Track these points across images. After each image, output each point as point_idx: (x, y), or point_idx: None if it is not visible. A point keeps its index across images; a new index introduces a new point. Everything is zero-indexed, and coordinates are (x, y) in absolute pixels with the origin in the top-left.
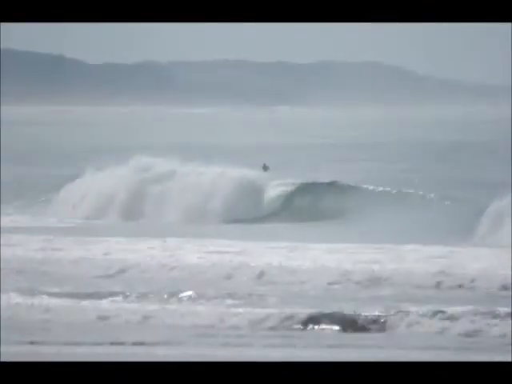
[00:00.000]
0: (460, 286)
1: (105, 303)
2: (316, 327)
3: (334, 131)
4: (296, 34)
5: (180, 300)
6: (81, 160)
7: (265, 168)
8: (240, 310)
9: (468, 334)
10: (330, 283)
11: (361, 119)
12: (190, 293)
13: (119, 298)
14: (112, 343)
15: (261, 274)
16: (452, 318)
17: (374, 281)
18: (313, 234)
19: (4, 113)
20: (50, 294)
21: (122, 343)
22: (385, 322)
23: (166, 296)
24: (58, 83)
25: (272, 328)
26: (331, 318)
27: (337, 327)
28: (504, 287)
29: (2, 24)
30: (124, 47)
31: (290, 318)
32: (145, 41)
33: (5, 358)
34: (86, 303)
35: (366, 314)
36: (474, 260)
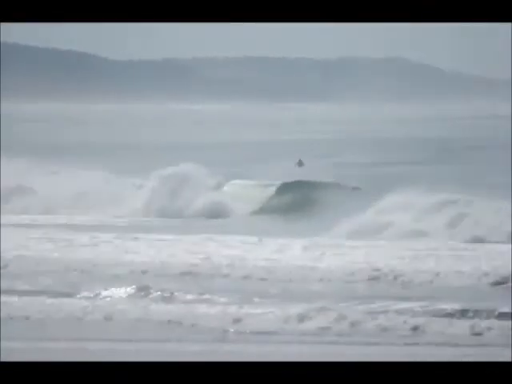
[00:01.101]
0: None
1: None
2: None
3: (352, 127)
4: (319, 30)
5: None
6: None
7: (299, 164)
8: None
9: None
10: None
11: (383, 115)
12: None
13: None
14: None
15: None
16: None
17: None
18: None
19: (26, 109)
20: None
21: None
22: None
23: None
24: (82, 80)
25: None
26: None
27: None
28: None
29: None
30: (147, 44)
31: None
32: (168, 38)
33: (5, 358)
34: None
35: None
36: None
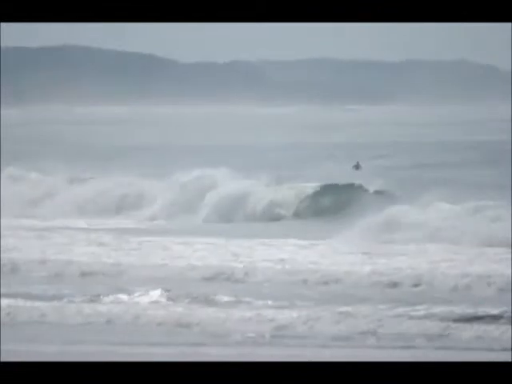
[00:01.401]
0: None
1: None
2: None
3: (415, 130)
4: (381, 32)
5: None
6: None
7: (357, 167)
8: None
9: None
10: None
11: (443, 118)
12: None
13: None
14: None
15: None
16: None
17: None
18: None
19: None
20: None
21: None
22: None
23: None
24: (147, 82)
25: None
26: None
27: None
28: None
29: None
30: (215, 46)
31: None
32: (235, 39)
33: (5, 358)
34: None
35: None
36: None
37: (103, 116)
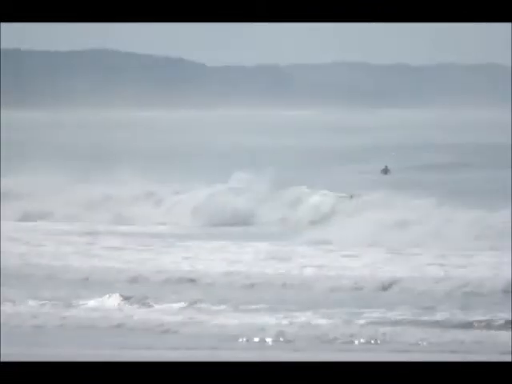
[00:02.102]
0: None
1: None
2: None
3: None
4: (414, 35)
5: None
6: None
7: (385, 171)
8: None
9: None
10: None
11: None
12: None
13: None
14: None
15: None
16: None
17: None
18: None
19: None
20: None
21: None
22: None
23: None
24: (175, 85)
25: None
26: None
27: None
28: None
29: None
30: (242, 49)
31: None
32: (264, 42)
33: (5, 358)
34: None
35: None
36: None
37: (128, 121)
